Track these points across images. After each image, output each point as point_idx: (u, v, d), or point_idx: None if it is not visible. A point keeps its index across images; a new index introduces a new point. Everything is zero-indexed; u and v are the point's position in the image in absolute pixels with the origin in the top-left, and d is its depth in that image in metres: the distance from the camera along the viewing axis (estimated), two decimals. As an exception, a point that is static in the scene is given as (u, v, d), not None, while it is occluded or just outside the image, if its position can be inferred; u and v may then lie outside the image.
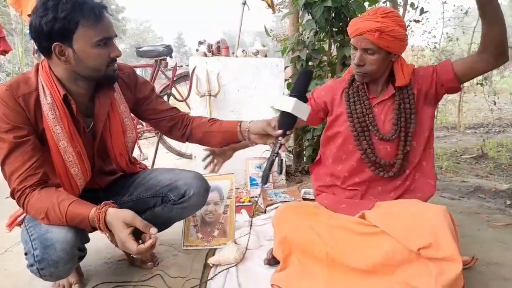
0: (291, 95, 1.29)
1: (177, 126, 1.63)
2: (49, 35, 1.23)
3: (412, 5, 4.72)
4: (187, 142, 1.70)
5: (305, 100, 1.29)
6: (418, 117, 1.50)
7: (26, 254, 1.28)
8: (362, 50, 1.43)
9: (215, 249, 1.82)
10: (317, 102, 1.68)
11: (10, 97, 1.27)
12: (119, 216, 1.24)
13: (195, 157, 2.89)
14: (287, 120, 1.31)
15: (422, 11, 4.68)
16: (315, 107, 1.68)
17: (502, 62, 1.35)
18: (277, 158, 1.32)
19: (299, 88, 1.31)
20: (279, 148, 1.32)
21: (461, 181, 3.21)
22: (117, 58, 1.37)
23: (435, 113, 1.58)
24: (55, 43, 1.24)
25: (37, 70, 1.35)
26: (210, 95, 2.87)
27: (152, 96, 1.62)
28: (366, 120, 1.53)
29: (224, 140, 1.59)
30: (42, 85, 1.32)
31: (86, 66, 1.30)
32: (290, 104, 1.26)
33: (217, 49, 3.04)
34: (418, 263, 1.25)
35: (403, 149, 1.49)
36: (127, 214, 1.25)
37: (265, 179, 1.29)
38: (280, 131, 1.31)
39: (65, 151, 1.35)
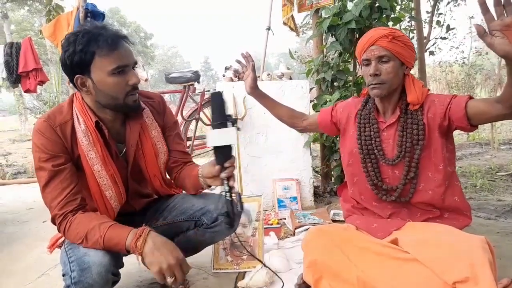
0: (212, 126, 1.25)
1: (176, 169, 1.65)
2: (71, 68, 1.32)
3: (438, 22, 4.68)
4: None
5: (224, 124, 1.23)
6: (430, 146, 1.45)
7: (63, 275, 1.32)
8: (377, 60, 1.42)
9: (245, 272, 1.82)
10: (335, 116, 1.71)
11: (49, 128, 1.36)
12: (167, 240, 1.28)
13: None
14: (218, 153, 1.28)
15: (448, 28, 4.63)
16: (334, 119, 1.70)
17: None
18: (233, 196, 1.27)
19: (214, 115, 1.26)
20: (227, 184, 1.28)
21: (497, 200, 3.09)
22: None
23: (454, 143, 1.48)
24: (76, 76, 1.33)
25: (71, 100, 1.45)
26: (237, 119, 2.92)
27: (173, 130, 1.65)
28: (373, 144, 1.53)
29: (194, 186, 1.57)
30: (76, 113, 1.41)
31: (104, 95, 1.37)
32: (210, 138, 1.24)
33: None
34: None
35: (406, 175, 1.47)
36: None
37: (231, 223, 1.28)
38: (217, 167, 1.29)
39: (99, 174, 1.42)
